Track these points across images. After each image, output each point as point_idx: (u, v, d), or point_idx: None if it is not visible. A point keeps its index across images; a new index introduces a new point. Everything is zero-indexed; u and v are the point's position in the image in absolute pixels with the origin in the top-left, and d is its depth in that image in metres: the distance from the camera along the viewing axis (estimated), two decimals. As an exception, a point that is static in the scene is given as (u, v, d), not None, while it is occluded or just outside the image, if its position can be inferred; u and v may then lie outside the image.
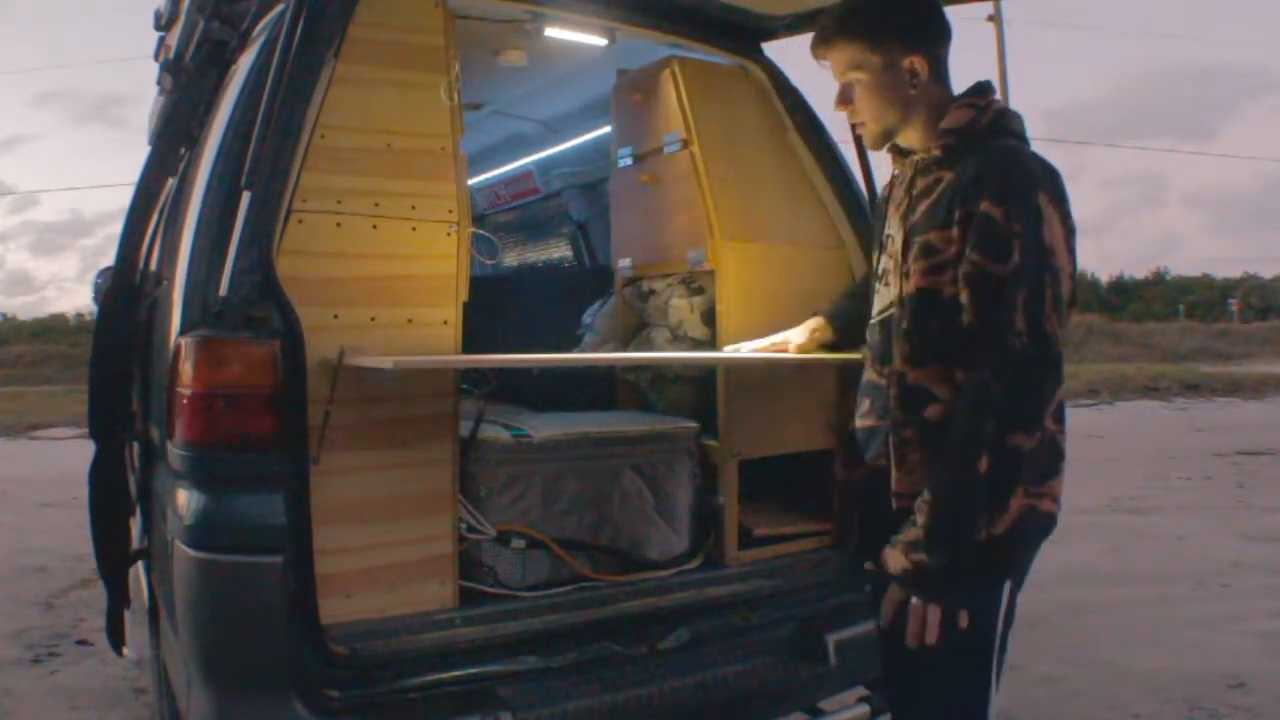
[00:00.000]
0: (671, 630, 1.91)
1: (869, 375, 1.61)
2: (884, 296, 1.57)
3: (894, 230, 1.55)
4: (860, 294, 1.94)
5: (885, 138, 1.57)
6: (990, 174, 1.39)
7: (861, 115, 1.56)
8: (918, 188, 1.51)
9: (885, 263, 1.57)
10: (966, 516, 1.34)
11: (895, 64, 1.51)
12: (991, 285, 1.35)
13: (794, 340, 2.00)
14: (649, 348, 2.47)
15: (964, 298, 1.38)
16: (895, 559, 1.39)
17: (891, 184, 1.69)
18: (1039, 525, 1.44)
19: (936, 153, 1.49)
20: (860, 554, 1.72)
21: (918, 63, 1.51)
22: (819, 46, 1.58)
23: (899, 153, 1.60)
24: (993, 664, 1.46)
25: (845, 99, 1.56)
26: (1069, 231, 1.41)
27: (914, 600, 1.37)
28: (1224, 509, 6.36)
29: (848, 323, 1.92)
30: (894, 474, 1.47)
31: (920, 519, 1.36)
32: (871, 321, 1.61)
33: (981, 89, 1.54)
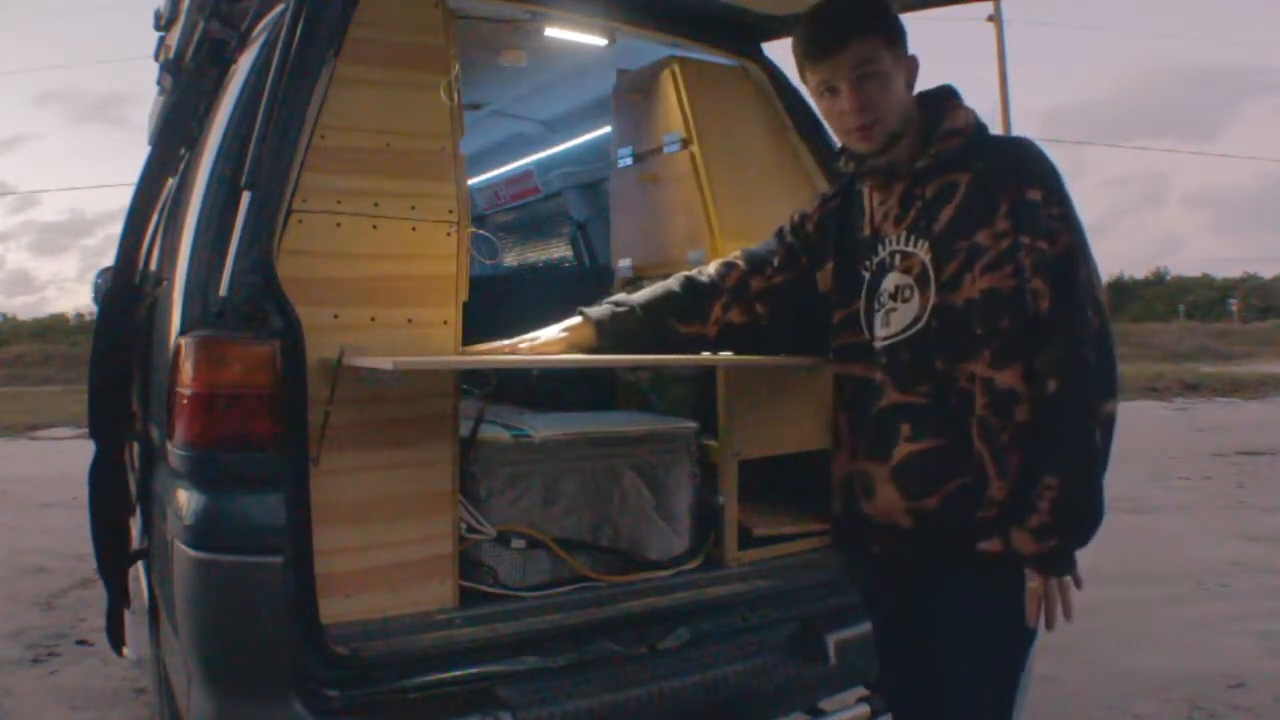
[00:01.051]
0: (671, 630, 1.90)
1: (892, 398, 1.51)
2: (904, 314, 1.50)
3: (903, 245, 1.50)
4: (662, 305, 1.84)
5: (893, 139, 1.50)
6: (1024, 163, 1.44)
7: (873, 113, 1.48)
8: (926, 195, 1.48)
9: (897, 279, 1.51)
10: (1098, 490, 1.38)
11: (901, 63, 1.50)
12: (1060, 267, 1.40)
13: (541, 338, 1.85)
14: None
15: (1037, 285, 1.39)
16: (1027, 543, 1.39)
17: (841, 200, 1.68)
18: None
19: (947, 155, 1.47)
20: (852, 558, 1.70)
21: (913, 65, 1.52)
22: (832, 47, 1.47)
23: (859, 165, 1.57)
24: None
25: (861, 96, 1.48)
26: None
27: (1050, 581, 1.39)
28: (1224, 509, 6.37)
29: (622, 330, 1.83)
30: (995, 484, 1.42)
31: (1044, 504, 1.36)
32: (890, 343, 1.52)
33: (956, 91, 1.55)
